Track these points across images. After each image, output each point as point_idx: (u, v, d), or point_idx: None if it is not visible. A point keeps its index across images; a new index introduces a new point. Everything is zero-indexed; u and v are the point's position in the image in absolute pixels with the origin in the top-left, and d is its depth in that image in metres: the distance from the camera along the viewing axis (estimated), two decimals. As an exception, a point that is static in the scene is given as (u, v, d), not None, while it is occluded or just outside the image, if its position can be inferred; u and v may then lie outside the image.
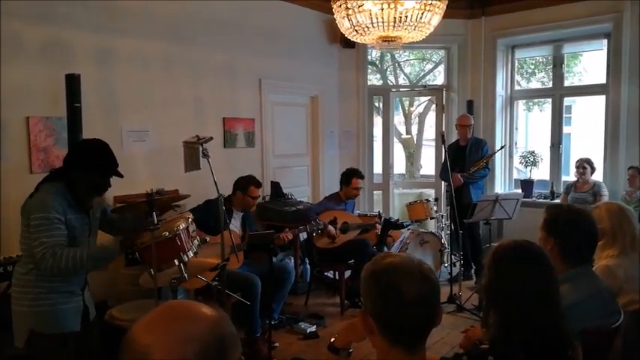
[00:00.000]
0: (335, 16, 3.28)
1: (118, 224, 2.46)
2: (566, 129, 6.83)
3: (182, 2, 4.34)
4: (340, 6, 3.07)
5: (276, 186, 5.25)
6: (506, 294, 1.54)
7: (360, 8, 2.99)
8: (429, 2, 2.96)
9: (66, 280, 2.19)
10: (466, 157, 5.32)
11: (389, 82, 9.95)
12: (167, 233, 2.25)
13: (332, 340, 1.46)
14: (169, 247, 2.27)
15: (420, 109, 10.92)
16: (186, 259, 2.34)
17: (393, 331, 1.20)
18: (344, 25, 3.20)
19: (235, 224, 4.03)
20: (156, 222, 2.18)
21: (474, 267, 5.37)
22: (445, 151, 4.83)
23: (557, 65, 6.14)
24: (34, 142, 3.45)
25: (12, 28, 3.34)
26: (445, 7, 3.13)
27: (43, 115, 3.48)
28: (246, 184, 4.04)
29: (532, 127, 9.59)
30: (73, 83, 3.16)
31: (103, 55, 3.85)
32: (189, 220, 2.43)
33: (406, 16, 2.99)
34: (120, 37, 3.93)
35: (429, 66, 10.30)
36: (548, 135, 6.18)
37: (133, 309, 3.02)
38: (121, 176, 2.24)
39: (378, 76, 9.64)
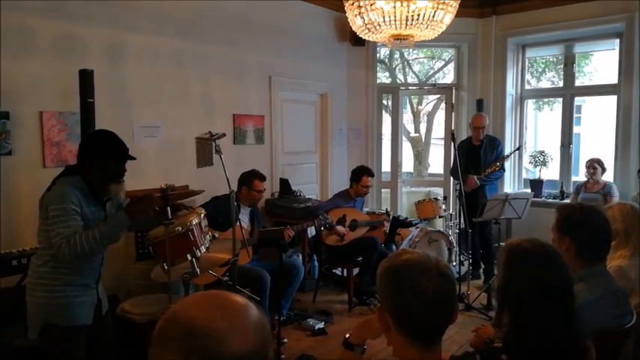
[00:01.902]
0: (347, 14, 3.28)
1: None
2: (576, 129, 6.79)
3: (193, -1, 4.36)
4: (352, 4, 3.07)
5: (284, 183, 5.27)
6: (519, 293, 1.53)
7: (373, 6, 2.99)
8: (442, 1, 2.95)
9: (81, 273, 2.21)
10: (481, 157, 5.23)
11: (398, 80, 9.93)
12: (180, 228, 2.27)
13: (347, 336, 1.47)
14: (182, 241, 2.29)
15: (429, 107, 10.89)
16: (199, 254, 2.36)
17: (410, 327, 1.20)
18: (356, 24, 3.20)
19: (244, 219, 4.05)
20: (170, 217, 2.19)
21: (482, 266, 5.35)
22: (455, 149, 4.80)
23: (569, 64, 6.10)
24: (47, 137, 3.48)
25: (26, 24, 3.37)
26: (458, 5, 3.12)
27: (57, 110, 3.52)
28: (250, 178, 4.06)
29: (541, 126, 9.53)
30: (86, 79, 3.19)
31: (115, 50, 3.88)
32: (202, 215, 2.45)
33: (418, 15, 2.98)
34: (132, 33, 3.96)
35: (439, 64, 10.26)
36: (557, 134, 6.15)
37: (144, 303, 3.05)
38: (134, 159, 2.26)
39: (387, 74, 9.62)
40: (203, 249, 2.39)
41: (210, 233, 2.54)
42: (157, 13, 4.11)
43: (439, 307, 1.19)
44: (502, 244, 1.75)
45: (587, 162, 5.32)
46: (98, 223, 2.18)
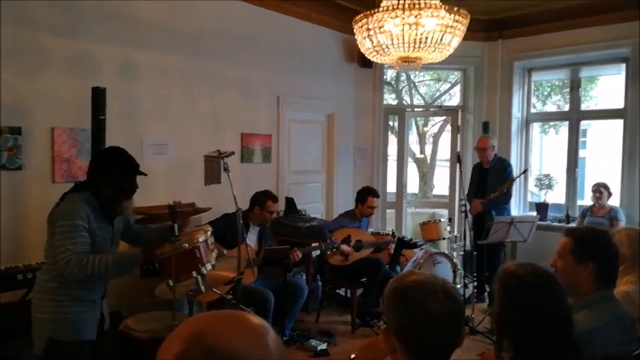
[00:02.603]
0: (356, 37, 3.33)
1: (144, 235, 2.49)
2: (581, 152, 6.79)
3: (203, 18, 4.44)
4: (362, 27, 3.12)
5: (290, 202, 5.28)
6: (519, 321, 1.51)
7: (382, 29, 3.04)
8: (450, 24, 2.99)
9: (88, 289, 2.22)
10: (488, 180, 5.22)
11: (404, 101, 10.00)
12: (187, 245, 2.28)
13: (352, 356, 1.47)
14: (188, 259, 2.30)
15: (435, 129, 10.94)
16: (205, 271, 2.36)
17: (418, 349, 1.20)
18: (365, 46, 3.25)
19: (252, 239, 4.05)
20: (177, 234, 2.20)
21: (487, 289, 5.31)
22: (460, 171, 4.80)
23: (575, 88, 6.14)
24: (58, 152, 3.52)
25: (40, 41, 3.44)
26: (465, 29, 3.17)
27: (68, 126, 3.56)
28: (263, 199, 4.08)
29: (547, 149, 9.54)
30: (99, 96, 3.24)
31: (126, 68, 3.94)
32: (209, 232, 2.46)
33: (427, 38, 3.03)
34: (143, 51, 4.03)
35: (445, 86, 10.34)
36: (563, 158, 6.15)
37: (148, 320, 3.03)
38: (145, 174, 2.30)
39: (394, 95, 9.70)
40: (209, 266, 2.40)
41: (216, 250, 2.55)
42: (167, 32, 4.19)
43: (446, 329, 1.19)
44: (500, 269, 1.71)
45: (593, 186, 5.31)
46: (113, 254, 2.22)
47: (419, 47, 3.02)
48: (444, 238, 5.35)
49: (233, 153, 2.80)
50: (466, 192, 4.93)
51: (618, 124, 5.73)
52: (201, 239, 2.37)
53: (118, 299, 3.52)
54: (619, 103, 5.72)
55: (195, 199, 4.05)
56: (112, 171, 2.22)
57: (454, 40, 3.14)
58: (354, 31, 3.28)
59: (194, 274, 2.34)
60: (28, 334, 2.24)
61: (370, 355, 1.43)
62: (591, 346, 1.63)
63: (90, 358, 2.25)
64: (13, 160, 3.31)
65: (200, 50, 4.45)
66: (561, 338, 1.48)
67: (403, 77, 9.66)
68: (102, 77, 3.65)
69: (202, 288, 2.42)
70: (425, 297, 1.20)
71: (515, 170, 5.87)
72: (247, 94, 4.91)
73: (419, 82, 10.43)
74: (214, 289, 2.79)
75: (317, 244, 4.20)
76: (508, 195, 5.15)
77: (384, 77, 6.66)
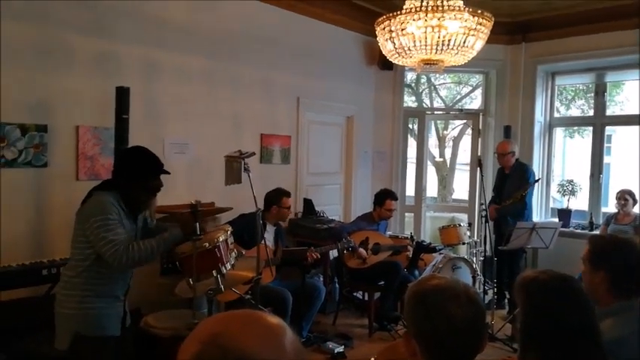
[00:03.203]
0: (378, 39, 3.32)
1: (160, 230, 2.52)
2: (606, 158, 6.66)
3: (225, 19, 4.48)
4: (384, 29, 3.11)
5: (308, 203, 5.29)
6: (543, 330, 1.49)
7: (404, 31, 3.02)
8: (474, 27, 2.97)
9: (113, 285, 2.26)
10: (506, 184, 5.17)
11: (424, 104, 9.94)
12: (207, 244, 2.30)
13: (372, 359, 1.46)
14: (209, 258, 2.32)
15: (455, 132, 10.84)
16: (225, 270, 2.38)
17: (438, 353, 1.19)
18: (386, 48, 3.24)
19: (269, 238, 4.07)
20: (198, 232, 2.23)
21: (507, 296, 5.23)
22: (481, 175, 4.75)
23: (599, 93, 6.02)
24: (82, 150, 3.59)
25: (68, 41, 3.51)
26: (489, 32, 3.13)
27: (92, 125, 3.63)
28: (278, 196, 4.12)
29: (570, 154, 9.38)
30: (122, 95, 3.28)
31: (148, 68, 3.99)
32: (229, 232, 2.48)
33: (449, 40, 3.00)
34: (165, 51, 4.08)
35: (466, 89, 10.25)
36: (586, 163, 6.04)
37: (168, 317, 3.07)
38: (169, 173, 2.35)
39: (414, 98, 9.64)
40: (228, 266, 2.42)
41: (235, 250, 2.56)
42: (189, 32, 4.23)
43: (468, 334, 1.18)
44: (520, 277, 1.66)
45: (617, 193, 5.20)
46: (149, 237, 2.28)
47: (441, 50, 3.00)
48: (463, 243, 5.29)
49: (254, 153, 2.82)
50: (488, 196, 4.88)
51: (644, 129, 5.60)
52: (221, 239, 2.38)
53: (138, 297, 3.55)
54: (645, 108, 5.59)
55: (215, 198, 4.08)
56: (138, 170, 2.25)
57: (477, 43, 3.10)
58: (376, 32, 3.27)
59: (214, 273, 2.36)
60: (52, 330, 2.28)
61: (390, 358, 1.42)
62: (616, 356, 1.59)
63: (113, 354, 2.28)
64: (39, 158, 3.38)
65: (221, 51, 4.49)
66: (587, 347, 1.45)
67: (423, 80, 9.60)
68: (126, 77, 3.71)
69: (222, 287, 2.44)
70: (446, 301, 1.19)
71: (537, 176, 5.78)
72: (267, 95, 4.94)
73: (439, 84, 10.36)
74: (233, 289, 2.81)
75: (333, 244, 4.20)
76: (523, 203, 5.02)
77: (404, 80, 6.63)
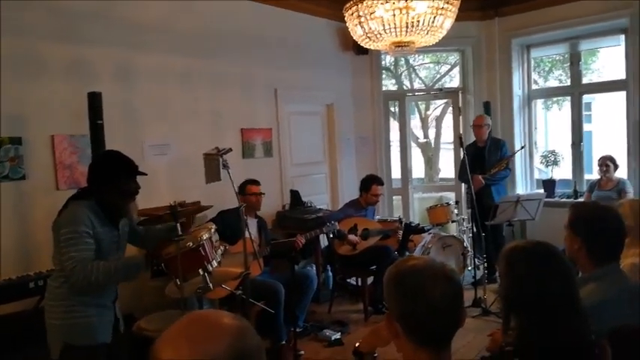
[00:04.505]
0: (347, 24, 3.31)
1: (150, 236, 2.51)
2: (586, 126, 6.74)
3: (197, 17, 4.43)
4: (352, 14, 3.10)
5: (295, 194, 5.29)
6: (524, 298, 1.52)
7: (372, 15, 3.01)
8: (441, 6, 2.96)
9: (98, 294, 2.24)
10: (485, 158, 5.28)
11: (404, 86, 9.94)
12: (191, 243, 2.29)
13: (357, 345, 1.47)
14: (194, 257, 2.31)
15: (437, 112, 10.87)
16: (211, 268, 2.38)
17: (420, 333, 1.20)
18: (357, 33, 3.23)
19: (252, 231, 4.06)
20: (180, 233, 2.22)
21: (497, 270, 5.29)
22: (464, 153, 4.80)
23: (575, 63, 6.06)
24: (60, 160, 3.55)
25: (36, 49, 3.46)
26: (457, 9, 3.13)
27: (68, 133, 3.59)
28: (242, 186, 4.09)
29: (551, 126, 9.46)
30: (95, 101, 3.25)
31: (123, 71, 3.95)
32: (212, 230, 2.47)
33: (418, 21, 3.00)
34: (139, 52, 4.03)
35: (445, 68, 10.25)
36: (568, 134, 6.10)
37: (160, 319, 3.06)
38: (145, 174, 2.31)
39: (393, 81, 9.63)
40: (215, 263, 2.41)
41: (221, 247, 2.56)
42: (162, 32, 4.19)
43: (447, 312, 1.19)
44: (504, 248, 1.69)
45: (599, 159, 5.26)
46: (117, 260, 2.23)
47: (411, 31, 2.99)
48: (452, 221, 5.34)
49: (231, 149, 2.81)
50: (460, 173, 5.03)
51: (621, 95, 5.65)
52: (205, 237, 2.38)
53: (130, 302, 3.55)
54: (620, 74, 5.64)
55: (200, 197, 4.07)
56: (112, 175, 2.23)
57: (446, 22, 3.11)
58: (345, 18, 3.25)
59: (200, 271, 2.36)
60: (44, 342, 2.26)
61: (374, 342, 1.44)
62: (599, 320, 1.62)
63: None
64: (17, 170, 3.34)
65: (196, 49, 4.45)
66: (568, 311, 1.48)
67: (402, 62, 9.59)
68: (99, 82, 3.66)
69: (210, 285, 2.44)
70: (424, 281, 1.20)
71: (517, 149, 5.85)
72: (244, 89, 4.91)
73: (418, 65, 10.35)
74: (223, 286, 2.81)
75: (318, 230, 4.22)
76: (508, 170, 5.31)
77: (383, 63, 6.62)
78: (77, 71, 3.65)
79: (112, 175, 2.23)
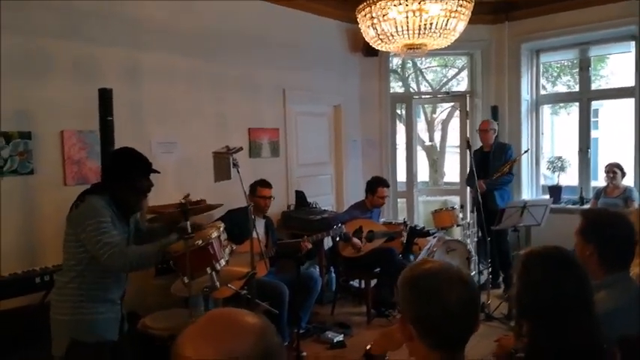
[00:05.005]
0: (360, 26, 3.30)
1: (153, 234, 2.50)
2: (594, 133, 6.71)
3: (205, 17, 4.43)
4: (365, 15, 3.09)
5: (300, 195, 5.28)
6: (539, 303, 1.51)
7: (385, 17, 3.01)
8: (454, 9, 2.95)
9: (107, 289, 2.24)
10: (489, 162, 5.25)
11: (411, 89, 9.93)
12: (200, 242, 2.29)
13: (368, 347, 1.46)
14: (202, 255, 2.30)
15: (443, 115, 10.86)
16: (219, 267, 2.37)
17: (435, 336, 1.19)
18: (369, 34, 3.22)
19: (259, 231, 4.06)
20: (190, 231, 2.21)
21: (502, 275, 5.28)
22: (471, 157, 4.78)
23: (584, 68, 6.04)
24: (68, 155, 3.55)
25: (45, 46, 3.46)
26: (470, 13, 3.12)
27: (76, 129, 3.58)
28: (253, 187, 4.11)
29: (558, 131, 9.43)
30: (105, 97, 3.25)
31: (131, 69, 3.95)
32: (221, 228, 2.46)
33: (431, 24, 2.99)
34: (147, 51, 4.03)
35: (452, 72, 10.25)
36: (574, 139, 6.08)
37: (164, 318, 3.05)
38: (158, 172, 2.34)
39: (400, 83, 9.63)
40: (223, 262, 2.40)
41: (229, 246, 2.55)
42: (170, 32, 4.18)
43: (463, 316, 1.18)
44: (521, 252, 1.69)
45: (606, 167, 5.24)
46: (142, 240, 2.28)
47: (423, 34, 2.98)
48: (457, 225, 5.33)
49: (242, 148, 2.80)
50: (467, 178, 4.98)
51: (630, 103, 5.63)
52: (214, 235, 2.37)
53: (134, 299, 3.54)
54: (630, 81, 5.62)
55: (205, 196, 4.04)
56: (126, 171, 2.23)
57: (459, 25, 3.09)
58: (358, 20, 3.24)
59: (208, 270, 2.35)
60: (48, 337, 2.25)
61: (386, 345, 1.43)
62: (610, 327, 1.61)
63: (111, 359, 2.27)
64: (25, 165, 3.34)
65: (203, 49, 4.44)
66: (583, 317, 1.47)
67: (409, 64, 9.58)
68: (108, 80, 3.65)
69: (217, 284, 2.43)
70: (440, 284, 1.19)
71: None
72: (252, 89, 4.90)
73: (425, 68, 10.35)
74: (229, 285, 2.80)
75: (325, 232, 4.21)
76: (510, 175, 5.26)
77: (390, 65, 6.60)
78: (86, 69, 3.65)
79: (126, 172, 2.23)
